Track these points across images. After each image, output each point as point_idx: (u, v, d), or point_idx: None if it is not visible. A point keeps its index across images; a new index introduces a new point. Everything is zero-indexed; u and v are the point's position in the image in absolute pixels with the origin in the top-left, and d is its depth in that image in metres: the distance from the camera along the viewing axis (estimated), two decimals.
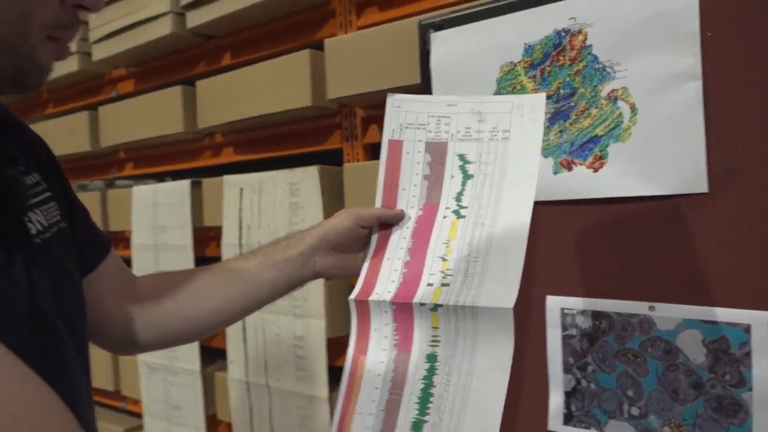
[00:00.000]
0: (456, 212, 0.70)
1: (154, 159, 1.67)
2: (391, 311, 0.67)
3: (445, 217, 0.71)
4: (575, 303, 0.85)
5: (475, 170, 0.71)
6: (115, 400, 1.83)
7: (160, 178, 1.77)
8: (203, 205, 1.47)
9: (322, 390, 1.21)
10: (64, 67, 1.73)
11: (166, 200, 1.52)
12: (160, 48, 1.53)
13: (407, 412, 0.65)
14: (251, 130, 1.40)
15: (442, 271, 0.67)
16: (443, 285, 0.65)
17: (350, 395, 0.68)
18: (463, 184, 0.71)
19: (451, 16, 0.94)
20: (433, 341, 0.65)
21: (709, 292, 0.75)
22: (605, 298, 0.83)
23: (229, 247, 1.37)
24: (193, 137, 1.52)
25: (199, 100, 1.43)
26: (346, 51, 1.13)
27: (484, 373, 0.62)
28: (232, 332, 1.38)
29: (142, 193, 1.59)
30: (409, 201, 0.73)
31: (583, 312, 0.84)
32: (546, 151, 0.86)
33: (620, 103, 0.80)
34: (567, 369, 0.86)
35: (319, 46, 1.19)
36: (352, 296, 0.68)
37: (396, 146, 0.75)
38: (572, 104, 0.84)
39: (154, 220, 1.55)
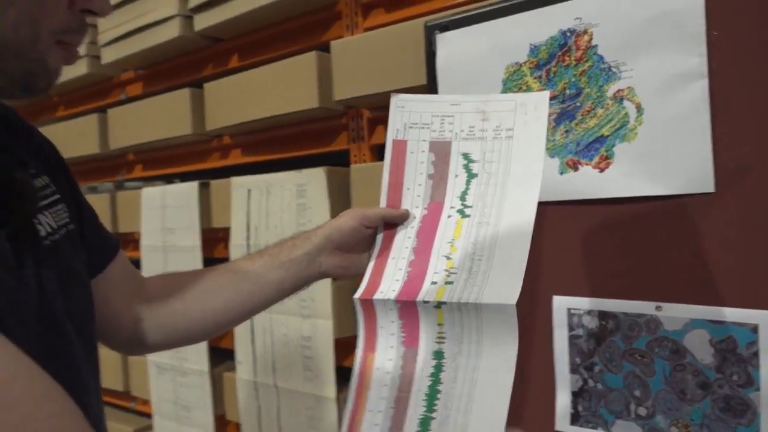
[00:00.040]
0: (460, 211, 0.70)
1: (163, 161, 1.68)
2: (396, 309, 0.67)
3: (449, 216, 0.71)
4: (582, 303, 0.85)
5: (480, 169, 0.71)
6: (124, 400, 1.84)
7: (168, 179, 1.79)
8: (211, 207, 1.48)
9: (330, 390, 1.21)
10: (74, 71, 1.75)
11: (174, 202, 1.53)
12: (169, 51, 1.54)
13: (415, 409, 0.66)
14: (259, 132, 1.41)
15: (446, 270, 0.67)
16: (447, 283, 0.66)
17: (360, 393, 0.68)
18: (468, 183, 0.71)
19: (457, 17, 0.94)
20: (439, 338, 0.65)
21: (716, 292, 0.75)
22: (612, 298, 0.83)
23: (237, 248, 1.37)
24: (201, 139, 1.53)
25: (207, 103, 1.44)
26: (353, 52, 1.14)
27: (490, 370, 0.62)
28: (241, 333, 1.39)
29: (151, 194, 1.60)
30: (414, 201, 0.74)
31: (589, 312, 0.84)
32: (552, 152, 0.86)
33: (626, 103, 0.80)
34: (574, 369, 0.86)
35: (325, 48, 1.20)
36: (357, 295, 0.69)
37: (400, 146, 0.75)
38: (578, 104, 0.84)
39: (162, 222, 1.56)
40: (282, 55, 1.32)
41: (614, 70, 0.80)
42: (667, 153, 0.77)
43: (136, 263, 1.62)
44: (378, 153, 1.21)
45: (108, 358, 1.68)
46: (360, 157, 1.22)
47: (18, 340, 0.43)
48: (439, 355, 0.65)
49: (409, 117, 0.75)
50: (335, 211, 1.18)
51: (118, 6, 1.57)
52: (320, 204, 1.21)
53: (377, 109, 1.18)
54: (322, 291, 1.21)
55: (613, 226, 0.82)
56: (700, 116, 0.74)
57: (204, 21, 1.39)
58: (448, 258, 0.68)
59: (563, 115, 0.85)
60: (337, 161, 1.24)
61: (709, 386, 0.76)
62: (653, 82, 0.77)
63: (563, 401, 0.87)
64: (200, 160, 1.57)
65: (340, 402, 1.21)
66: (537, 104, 0.70)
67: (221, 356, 1.52)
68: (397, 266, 0.70)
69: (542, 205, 0.85)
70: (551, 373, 0.88)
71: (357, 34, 1.19)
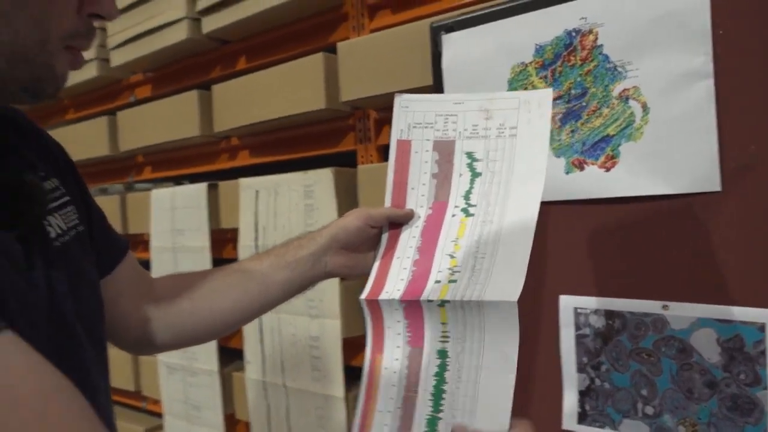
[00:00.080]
0: (465, 210, 0.71)
1: (172, 162, 1.69)
2: (401, 308, 0.67)
3: (453, 215, 0.71)
4: (588, 302, 0.85)
5: (483, 168, 0.71)
6: (135, 400, 1.85)
7: (177, 181, 1.80)
8: (220, 208, 1.49)
9: (338, 390, 1.22)
10: (83, 74, 1.76)
11: (183, 203, 1.54)
12: (177, 53, 1.56)
13: (422, 409, 0.66)
14: (266, 133, 1.42)
15: (449, 268, 0.67)
16: (450, 281, 0.66)
17: (370, 393, 0.69)
18: (472, 182, 0.71)
19: (463, 17, 0.94)
20: (443, 337, 0.65)
21: (723, 291, 0.75)
22: (618, 298, 0.83)
23: (245, 249, 1.38)
24: (210, 141, 1.54)
25: (215, 104, 1.45)
26: (359, 54, 1.14)
27: (492, 369, 0.62)
28: (249, 333, 1.40)
29: (160, 196, 1.61)
30: (419, 200, 0.74)
31: (596, 311, 0.84)
32: (558, 151, 0.86)
33: (632, 103, 0.80)
34: (581, 368, 0.86)
35: (332, 49, 1.21)
36: (363, 296, 0.69)
37: (404, 146, 0.75)
38: (584, 104, 0.84)
39: (172, 223, 1.58)
40: (289, 56, 1.32)
41: (620, 69, 0.80)
42: (673, 152, 0.77)
43: (146, 264, 1.64)
44: (385, 153, 1.21)
45: (119, 358, 1.70)
46: (367, 158, 1.23)
47: (28, 341, 0.44)
48: (443, 354, 0.65)
49: (413, 117, 0.76)
50: (342, 212, 1.19)
51: (126, 9, 1.58)
52: (328, 204, 1.22)
53: (384, 110, 1.19)
54: (329, 291, 1.21)
55: (620, 226, 0.82)
56: (705, 115, 0.74)
57: (212, 23, 1.40)
58: (452, 257, 0.68)
59: (569, 114, 0.85)
60: (345, 162, 1.25)
61: (716, 385, 0.76)
62: (659, 81, 0.77)
63: (570, 400, 0.87)
64: (209, 161, 1.58)
65: (349, 401, 1.21)
66: (540, 102, 0.70)
67: (230, 356, 1.53)
68: (402, 266, 0.71)
69: (548, 205, 0.86)
70: (558, 372, 0.88)
71: (363, 36, 1.20)
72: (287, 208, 1.30)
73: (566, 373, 0.87)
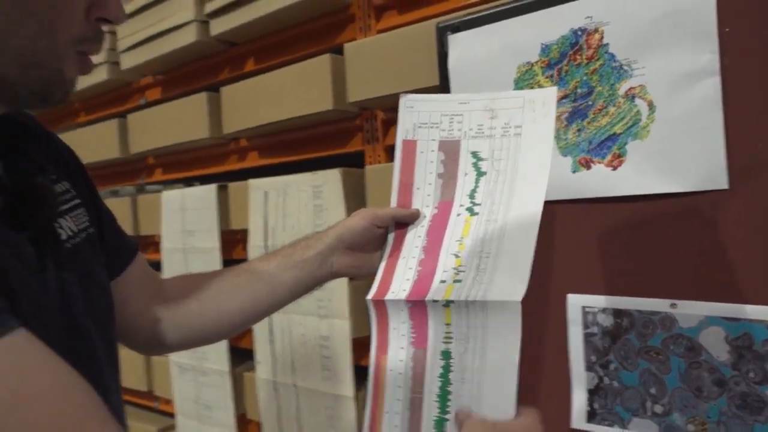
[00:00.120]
0: (470, 209, 0.71)
1: (182, 164, 1.71)
2: (407, 309, 0.68)
3: (459, 214, 0.71)
4: (596, 301, 0.85)
5: (488, 167, 0.71)
6: (148, 400, 1.87)
7: (188, 182, 1.81)
8: (230, 209, 1.50)
9: (348, 389, 1.22)
10: (94, 77, 1.78)
11: (193, 204, 1.55)
12: (186, 55, 1.57)
13: (429, 411, 0.66)
14: (275, 134, 1.43)
15: (454, 268, 0.67)
16: (455, 281, 0.66)
17: (377, 394, 0.69)
18: (477, 181, 0.72)
19: (468, 17, 0.94)
20: (446, 338, 0.65)
21: (731, 289, 0.75)
22: (626, 296, 0.82)
23: (255, 250, 1.39)
24: (219, 142, 1.55)
25: (223, 106, 1.46)
26: (366, 55, 1.15)
27: (495, 370, 0.62)
28: (260, 333, 1.41)
29: (171, 197, 1.62)
30: (424, 200, 0.74)
31: (604, 310, 0.84)
32: (564, 150, 0.86)
33: (638, 101, 0.80)
34: (589, 367, 0.86)
35: (339, 51, 1.21)
36: (369, 296, 0.69)
37: (410, 146, 0.76)
38: (590, 103, 0.84)
39: (182, 224, 1.59)
40: (297, 58, 1.33)
41: (626, 68, 0.80)
42: (679, 150, 0.77)
43: (158, 265, 1.65)
44: (393, 153, 1.21)
45: (131, 358, 1.71)
46: (375, 158, 1.23)
47: (41, 341, 0.45)
48: (446, 355, 0.65)
49: (418, 117, 0.76)
50: (351, 212, 1.18)
51: (136, 13, 1.60)
52: (336, 205, 1.23)
53: (391, 110, 1.19)
54: (338, 291, 1.22)
55: (627, 224, 0.82)
56: (712, 113, 0.74)
57: (220, 26, 1.41)
58: (457, 256, 0.68)
59: (575, 113, 0.85)
60: (353, 162, 1.25)
61: (725, 383, 0.75)
62: (665, 79, 0.77)
63: (579, 399, 0.87)
64: (218, 163, 1.60)
65: (359, 401, 1.22)
66: (545, 100, 0.70)
67: (241, 356, 1.54)
68: (408, 266, 0.71)
69: (555, 204, 0.86)
70: (567, 371, 0.88)
71: (370, 36, 1.20)
72: (296, 208, 1.31)
73: (575, 372, 0.87)
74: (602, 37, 0.82)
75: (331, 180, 1.24)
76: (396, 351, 0.68)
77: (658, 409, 0.81)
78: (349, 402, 1.23)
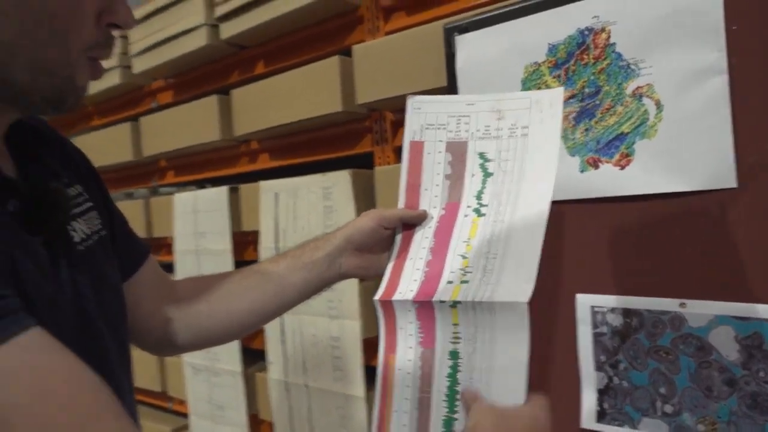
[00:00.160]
0: (477, 210, 0.71)
1: (194, 167, 1.72)
2: (414, 309, 0.68)
3: (466, 215, 0.72)
4: (605, 300, 0.85)
5: (495, 168, 0.72)
6: (162, 401, 1.89)
7: (200, 184, 1.83)
8: (241, 211, 1.51)
9: (359, 389, 1.23)
10: (107, 81, 1.80)
11: (205, 207, 1.57)
12: (196, 59, 1.58)
13: (438, 410, 0.67)
14: (285, 136, 1.44)
15: (461, 269, 0.68)
16: (462, 282, 0.66)
17: (385, 393, 0.70)
18: (484, 182, 0.72)
19: (476, 18, 0.95)
20: (454, 338, 0.66)
21: (740, 288, 0.74)
22: (635, 296, 0.82)
23: (266, 251, 1.40)
24: (230, 144, 1.56)
25: (234, 109, 1.47)
26: (374, 56, 1.15)
27: (503, 370, 0.62)
28: (271, 334, 1.42)
29: (183, 200, 1.64)
30: (432, 201, 0.75)
31: (613, 309, 0.84)
32: (572, 150, 0.86)
33: (645, 100, 0.80)
34: (599, 367, 0.86)
35: (348, 53, 1.22)
36: (377, 296, 0.70)
37: (417, 147, 0.76)
38: (597, 102, 0.84)
39: (195, 226, 1.60)
40: (306, 60, 1.34)
41: (633, 67, 0.80)
42: (688, 149, 0.76)
43: (170, 267, 1.67)
44: (401, 155, 1.22)
45: (145, 360, 1.73)
46: (384, 159, 1.24)
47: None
48: (454, 355, 0.66)
49: (425, 118, 0.76)
50: (361, 213, 1.19)
51: (147, 17, 1.61)
52: (346, 206, 1.23)
53: (400, 112, 1.19)
54: (349, 292, 1.23)
55: (635, 223, 0.82)
56: (720, 111, 0.74)
57: (230, 29, 1.42)
58: (464, 257, 0.69)
59: (583, 113, 0.85)
60: (362, 164, 1.26)
61: (735, 383, 0.75)
62: (672, 78, 0.77)
63: (589, 399, 0.87)
64: (229, 165, 1.61)
65: (370, 401, 1.22)
66: (552, 101, 0.70)
67: (253, 357, 1.55)
68: (415, 266, 0.71)
69: (563, 204, 0.86)
70: (576, 370, 0.88)
71: (378, 38, 1.21)
72: (307, 210, 1.32)
73: (584, 372, 0.87)
74: (609, 37, 0.82)
75: (340, 181, 1.24)
76: (404, 351, 0.69)
77: (668, 409, 0.80)
78: (360, 402, 1.23)
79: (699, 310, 0.77)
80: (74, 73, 0.54)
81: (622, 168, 0.82)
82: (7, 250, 0.49)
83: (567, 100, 0.86)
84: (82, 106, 0.55)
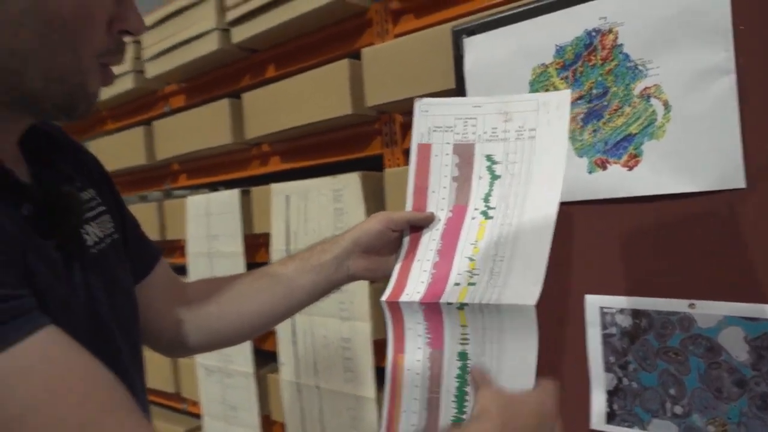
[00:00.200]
0: (484, 213, 0.71)
1: (206, 170, 1.74)
2: (421, 311, 0.68)
3: (473, 218, 0.72)
4: (614, 301, 0.85)
5: (503, 170, 0.72)
6: (176, 402, 1.90)
7: (213, 187, 1.84)
8: (253, 213, 1.52)
9: (370, 390, 1.24)
10: (120, 86, 1.82)
11: (217, 209, 1.58)
12: (208, 63, 1.60)
13: (447, 410, 0.67)
14: (296, 139, 1.45)
15: (469, 271, 0.68)
16: (470, 284, 0.67)
17: (394, 393, 0.70)
18: (491, 184, 0.72)
19: (483, 21, 0.95)
20: (462, 339, 0.66)
21: (750, 289, 0.74)
22: (644, 296, 0.82)
23: (277, 253, 1.41)
24: (241, 148, 1.58)
25: (245, 112, 1.48)
26: (383, 59, 1.16)
27: (511, 372, 0.63)
28: (283, 335, 1.43)
29: (196, 202, 1.65)
30: (439, 203, 0.75)
31: (622, 310, 0.84)
32: (580, 151, 0.86)
33: (653, 101, 0.79)
34: (608, 368, 0.86)
35: (357, 56, 1.22)
36: (384, 298, 0.71)
37: (425, 150, 0.76)
38: (605, 103, 0.84)
39: (207, 229, 1.62)
40: (316, 63, 1.35)
41: (640, 68, 0.80)
42: (696, 149, 0.76)
43: (183, 269, 1.68)
44: None
45: (159, 361, 1.75)
46: (394, 161, 1.24)
47: None
48: (463, 356, 0.66)
49: (432, 121, 0.77)
50: (371, 214, 1.20)
51: (159, 22, 1.63)
52: (356, 208, 1.24)
53: (409, 114, 1.18)
54: (359, 294, 1.23)
55: (644, 224, 0.82)
56: (728, 111, 0.74)
57: (241, 33, 1.44)
58: (471, 259, 0.69)
59: (591, 114, 0.85)
60: (372, 166, 1.27)
61: (745, 384, 0.75)
62: (680, 78, 0.77)
63: (598, 400, 0.87)
64: (241, 168, 1.62)
65: (380, 402, 1.23)
66: (559, 103, 0.71)
67: (265, 358, 1.56)
68: (422, 268, 0.72)
69: (572, 205, 0.86)
70: (585, 371, 0.88)
71: (388, 41, 1.21)
72: (317, 212, 1.33)
73: (594, 373, 0.87)
74: (616, 38, 0.82)
75: (351, 183, 1.25)
76: (413, 351, 0.69)
77: (678, 410, 0.80)
78: (371, 403, 1.24)
79: (708, 310, 0.77)
80: (86, 80, 0.55)
81: (630, 169, 0.82)
82: (21, 252, 0.50)
83: (575, 102, 0.86)
84: (94, 112, 0.56)
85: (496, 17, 0.93)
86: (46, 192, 0.59)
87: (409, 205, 0.76)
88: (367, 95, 1.19)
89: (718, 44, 0.74)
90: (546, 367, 0.63)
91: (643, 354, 0.83)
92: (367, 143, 1.30)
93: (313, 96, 1.30)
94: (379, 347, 1.23)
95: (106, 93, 1.84)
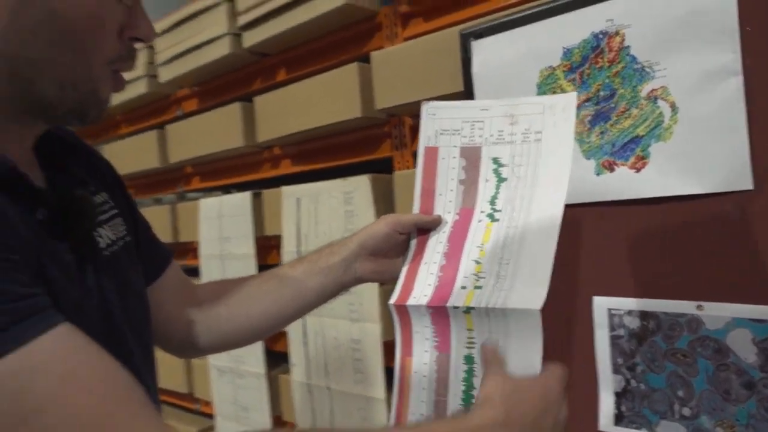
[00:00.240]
0: (490, 216, 0.72)
1: (218, 172, 1.76)
2: (428, 314, 0.69)
3: (480, 221, 0.73)
4: (622, 303, 0.85)
5: (509, 173, 0.72)
6: (189, 402, 1.92)
7: (226, 189, 1.86)
8: (264, 216, 1.53)
9: (380, 391, 1.24)
10: (134, 90, 1.85)
11: (229, 212, 1.60)
12: (220, 67, 1.62)
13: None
14: (306, 142, 1.46)
15: (475, 274, 0.69)
16: (476, 288, 0.67)
17: (402, 395, 0.71)
18: (497, 187, 0.73)
19: (491, 24, 0.95)
20: (469, 343, 0.67)
21: (757, 290, 0.74)
22: (652, 298, 0.82)
23: (289, 255, 1.42)
24: (253, 150, 1.59)
25: (257, 115, 1.50)
26: (392, 62, 1.17)
27: (518, 375, 0.63)
28: (294, 336, 1.44)
29: (209, 205, 1.67)
30: (446, 206, 0.76)
31: (630, 312, 0.84)
32: (588, 153, 0.87)
33: (660, 103, 0.80)
34: (616, 369, 0.86)
35: (367, 59, 1.23)
36: (392, 301, 0.71)
37: (432, 153, 0.77)
38: (612, 105, 0.84)
39: (219, 231, 1.63)
40: (326, 67, 1.36)
41: (647, 70, 0.80)
42: (703, 151, 0.76)
43: (196, 271, 1.70)
44: None
45: (172, 362, 1.76)
46: (403, 164, 1.25)
47: None
48: (469, 359, 0.66)
49: (440, 124, 0.77)
50: (380, 216, 1.21)
51: (172, 27, 1.65)
52: (366, 210, 1.25)
53: (418, 116, 1.19)
54: (369, 295, 1.24)
55: (651, 226, 0.82)
56: (735, 113, 0.74)
57: (252, 38, 1.45)
58: (478, 262, 0.70)
59: (598, 116, 0.85)
60: (382, 168, 1.27)
61: (753, 386, 0.75)
62: (687, 80, 0.77)
63: (607, 402, 0.87)
64: (253, 170, 1.64)
65: (390, 403, 1.23)
66: (565, 105, 0.71)
67: (276, 359, 1.57)
68: (429, 271, 0.72)
69: (579, 207, 0.86)
70: (594, 373, 0.88)
71: (397, 44, 1.22)
72: (328, 214, 1.34)
73: (602, 375, 0.87)
74: (623, 40, 0.82)
75: (361, 186, 1.26)
76: (420, 354, 0.70)
77: (686, 411, 0.80)
78: (381, 404, 1.25)
79: (716, 312, 0.77)
80: (97, 87, 0.57)
81: (638, 171, 0.82)
82: (36, 256, 0.51)
83: (582, 104, 0.86)
84: (105, 117, 0.57)
85: (503, 20, 0.94)
86: (60, 196, 0.60)
87: (416, 208, 0.77)
88: (377, 98, 1.20)
89: (725, 45, 0.74)
90: None
91: (651, 356, 0.83)
92: (376, 146, 1.31)
93: (323, 99, 1.31)
94: (389, 348, 1.23)
95: (121, 97, 1.86)
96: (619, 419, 0.86)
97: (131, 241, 0.71)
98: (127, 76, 0.62)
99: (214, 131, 1.62)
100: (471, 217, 0.73)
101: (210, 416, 1.79)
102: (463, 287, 0.68)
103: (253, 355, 1.55)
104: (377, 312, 1.23)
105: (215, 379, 1.70)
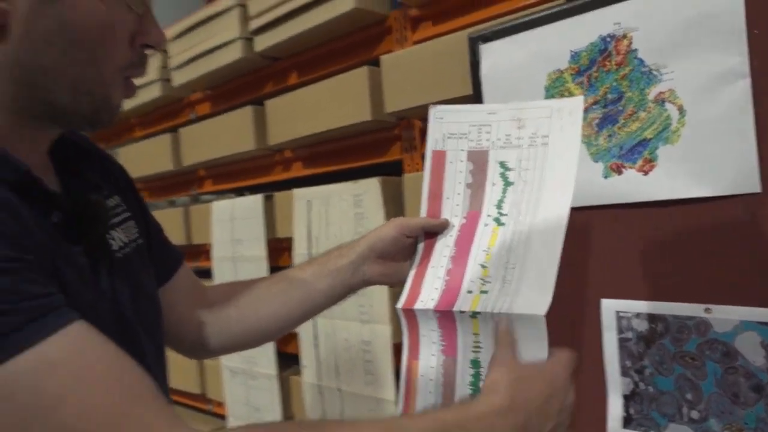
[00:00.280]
0: (497, 219, 0.72)
1: (231, 175, 1.77)
2: (435, 318, 0.70)
3: (486, 224, 0.73)
4: (630, 306, 0.85)
5: (516, 177, 0.73)
6: (202, 403, 1.94)
7: (239, 192, 1.88)
8: (275, 218, 1.55)
9: (390, 393, 1.25)
10: (148, 94, 1.87)
11: (241, 214, 1.61)
12: (232, 71, 1.63)
13: None
14: (317, 145, 1.47)
15: (481, 278, 0.69)
16: (482, 292, 0.68)
17: (408, 399, 0.71)
18: (504, 191, 0.73)
19: (499, 27, 0.96)
20: (475, 347, 0.67)
21: (766, 293, 0.74)
22: (660, 301, 0.82)
23: (300, 257, 1.43)
24: (264, 153, 1.60)
25: (268, 119, 1.51)
26: (401, 66, 1.18)
27: None
28: (305, 338, 1.45)
29: (221, 207, 1.68)
30: (453, 210, 0.76)
31: (638, 315, 0.84)
32: (596, 156, 0.87)
33: (668, 105, 0.80)
34: (624, 372, 0.86)
35: (377, 63, 1.24)
36: (399, 305, 0.72)
37: (439, 156, 0.78)
38: (620, 108, 0.84)
39: (232, 233, 1.65)
40: (336, 70, 1.37)
41: (655, 72, 0.81)
42: (711, 154, 0.76)
43: (209, 273, 1.72)
44: None
45: (185, 363, 1.78)
46: (413, 167, 1.25)
47: None
48: (476, 364, 0.67)
49: (447, 127, 0.78)
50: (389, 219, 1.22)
51: (184, 32, 1.67)
52: (376, 212, 1.25)
53: (427, 120, 1.21)
54: (379, 297, 1.25)
55: (659, 229, 0.82)
56: (743, 115, 0.74)
57: (263, 42, 1.47)
58: (484, 266, 0.70)
59: (606, 119, 0.86)
60: (392, 171, 1.28)
61: (762, 389, 0.75)
62: (694, 83, 0.77)
63: (615, 404, 0.87)
64: (264, 173, 1.65)
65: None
66: (572, 109, 0.71)
67: (288, 360, 1.58)
68: (436, 275, 0.73)
69: (587, 209, 0.86)
70: (602, 376, 0.88)
71: (407, 47, 1.23)
72: (338, 217, 1.35)
73: (610, 377, 0.88)
74: (631, 43, 0.82)
75: (371, 188, 1.27)
76: (427, 357, 0.71)
77: (695, 414, 0.80)
78: (391, 405, 1.25)
79: (724, 315, 0.77)
80: (109, 93, 0.58)
81: (646, 173, 0.82)
82: (51, 259, 0.53)
83: (590, 107, 0.86)
84: (116, 122, 0.59)
85: (511, 24, 0.94)
86: (74, 200, 0.61)
87: (423, 212, 0.77)
88: (387, 101, 1.21)
89: (733, 48, 0.74)
90: None
91: (659, 358, 0.83)
92: (386, 149, 1.32)
93: (333, 103, 1.32)
94: (399, 350, 1.23)
95: (135, 101, 1.88)
96: (627, 422, 0.86)
97: (143, 243, 0.72)
98: (140, 80, 0.63)
99: (226, 134, 1.63)
100: (478, 221, 0.74)
101: (222, 417, 1.80)
102: (470, 291, 0.69)
103: (265, 356, 1.56)
104: (387, 314, 1.24)
105: (228, 380, 1.72)
